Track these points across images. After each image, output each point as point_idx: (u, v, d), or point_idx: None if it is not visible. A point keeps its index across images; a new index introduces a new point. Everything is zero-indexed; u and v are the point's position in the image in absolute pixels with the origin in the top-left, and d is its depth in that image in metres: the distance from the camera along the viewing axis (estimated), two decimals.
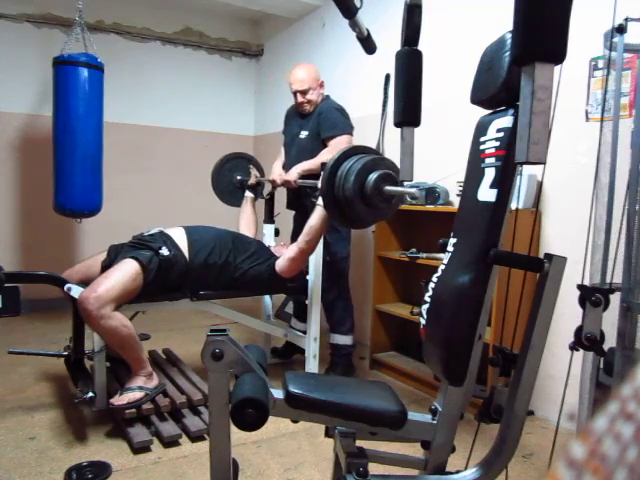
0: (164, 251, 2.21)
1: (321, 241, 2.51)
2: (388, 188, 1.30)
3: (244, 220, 2.93)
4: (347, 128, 2.75)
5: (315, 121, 2.76)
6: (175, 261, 2.24)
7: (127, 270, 2.11)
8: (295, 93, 2.80)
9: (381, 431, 1.19)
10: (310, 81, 2.76)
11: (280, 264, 2.40)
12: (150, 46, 4.53)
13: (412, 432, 1.18)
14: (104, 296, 1.99)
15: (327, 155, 2.45)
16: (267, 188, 3.09)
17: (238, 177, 3.11)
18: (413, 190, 1.31)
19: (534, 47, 0.79)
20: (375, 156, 1.37)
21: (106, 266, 2.25)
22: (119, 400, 2.05)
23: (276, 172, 2.88)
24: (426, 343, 1.19)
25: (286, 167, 2.91)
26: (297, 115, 2.94)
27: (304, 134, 2.82)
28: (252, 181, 3.02)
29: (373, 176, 1.29)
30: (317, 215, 2.28)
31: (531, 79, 0.78)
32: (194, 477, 1.85)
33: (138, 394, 2.08)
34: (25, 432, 2.13)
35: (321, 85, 2.82)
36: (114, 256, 2.30)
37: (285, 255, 2.41)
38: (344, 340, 2.81)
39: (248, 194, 3.01)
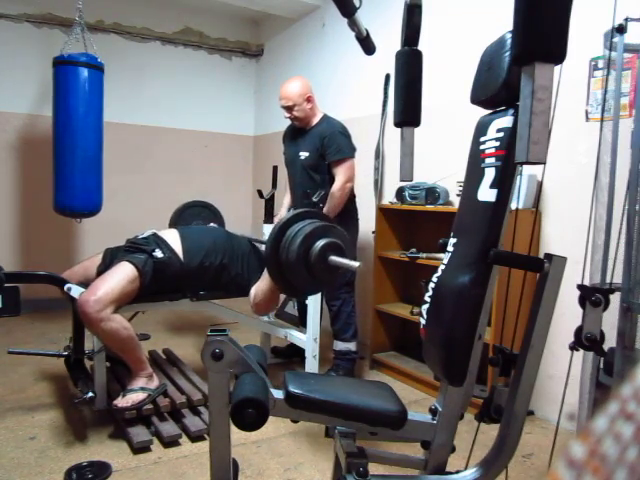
0: (158, 253, 2.22)
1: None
2: (333, 258, 1.25)
3: None
4: (351, 152, 2.78)
5: (316, 142, 2.77)
6: (169, 263, 2.23)
7: (125, 273, 2.11)
8: (282, 108, 2.84)
9: (381, 431, 1.19)
10: (295, 98, 2.76)
11: (251, 300, 2.29)
12: (150, 46, 4.53)
13: (412, 432, 1.18)
14: (104, 299, 1.99)
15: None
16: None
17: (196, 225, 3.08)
18: (357, 264, 1.26)
19: (534, 47, 0.79)
20: (327, 223, 1.33)
21: (101, 271, 2.25)
22: (123, 402, 2.05)
23: (283, 212, 3.00)
24: (426, 343, 1.19)
25: (291, 190, 3.02)
26: (294, 135, 2.95)
27: (304, 155, 2.83)
28: None
29: (320, 243, 1.25)
30: (266, 277, 2.13)
31: (531, 79, 0.78)
32: (194, 477, 1.85)
33: (141, 395, 2.08)
34: (25, 432, 2.13)
35: (308, 100, 2.79)
36: (109, 261, 2.31)
37: (251, 296, 2.29)
38: (348, 346, 2.82)
39: None
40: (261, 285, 2.20)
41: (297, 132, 2.92)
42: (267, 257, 1.33)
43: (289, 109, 2.79)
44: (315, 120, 2.85)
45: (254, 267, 2.42)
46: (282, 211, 3.09)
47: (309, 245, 1.26)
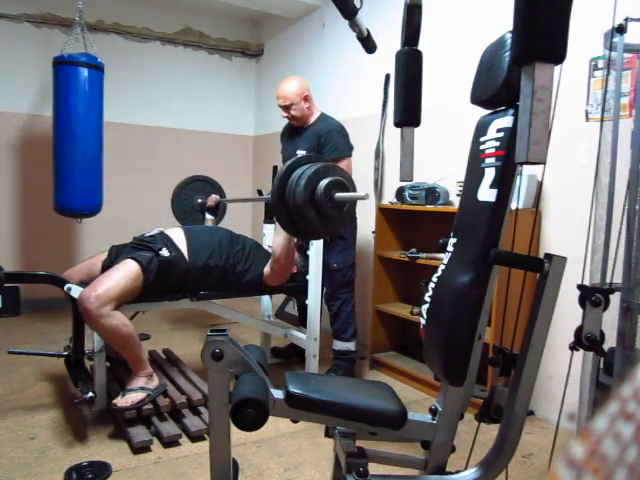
0: (164, 252, 2.22)
1: (322, 246, 2.51)
2: (338, 194, 1.29)
3: None
4: (348, 150, 2.79)
5: (313, 141, 2.78)
6: (175, 262, 2.24)
7: (128, 270, 2.11)
8: (280, 107, 2.84)
9: (381, 431, 1.19)
10: (292, 97, 2.76)
11: (265, 275, 2.43)
12: (150, 46, 4.53)
13: (412, 432, 1.18)
14: (104, 295, 1.99)
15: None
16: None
17: (199, 200, 3.11)
18: (363, 194, 1.30)
19: (534, 47, 0.79)
20: (327, 163, 1.36)
21: (107, 266, 2.25)
22: (122, 402, 2.04)
23: None
24: (426, 343, 1.19)
25: None
26: (291, 134, 2.96)
27: (301, 153, 2.83)
28: (211, 203, 3.03)
29: (324, 182, 1.28)
30: (279, 232, 2.26)
31: (531, 79, 0.78)
32: (194, 477, 1.85)
33: (140, 395, 2.08)
34: (25, 432, 2.14)
35: (305, 99, 2.79)
36: (115, 257, 2.31)
37: (266, 269, 2.42)
38: (347, 346, 2.82)
39: (208, 216, 3.03)
40: (276, 239, 2.28)
41: (294, 131, 2.92)
42: (274, 205, 1.35)
43: (286, 108, 2.79)
44: (312, 119, 2.85)
45: (262, 263, 2.44)
46: None
47: (314, 186, 1.28)
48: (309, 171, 1.29)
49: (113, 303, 2.02)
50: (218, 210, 3.09)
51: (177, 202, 3.12)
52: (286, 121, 2.94)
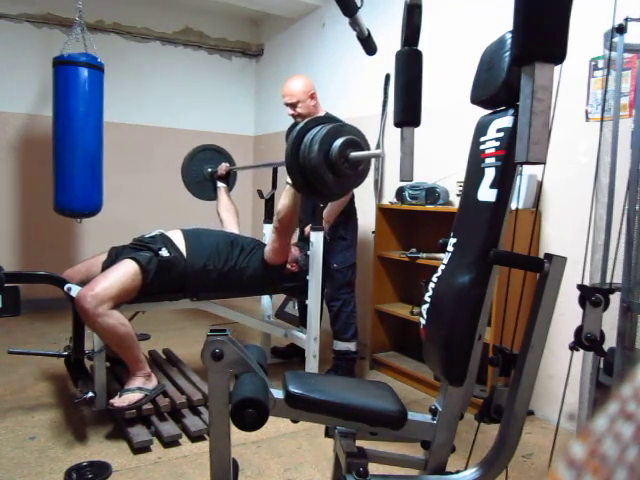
0: (164, 252, 2.22)
1: (323, 245, 2.51)
2: (353, 154, 1.28)
3: (223, 207, 2.99)
4: None
5: None
6: (174, 263, 2.24)
7: (126, 270, 2.11)
8: (286, 105, 2.83)
9: (381, 431, 1.19)
10: (299, 94, 2.76)
11: (266, 252, 2.46)
12: (150, 46, 4.53)
13: (412, 432, 1.18)
14: (101, 294, 1.99)
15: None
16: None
17: (209, 169, 3.12)
18: (378, 151, 1.31)
19: (534, 47, 0.79)
20: (337, 123, 1.36)
21: (106, 266, 2.25)
22: (119, 402, 2.04)
23: None
24: (426, 343, 1.19)
25: None
26: None
27: None
28: (222, 171, 3.06)
29: (337, 142, 1.27)
30: (286, 192, 2.30)
31: (531, 79, 0.78)
32: (194, 477, 1.85)
33: (138, 395, 2.08)
34: (25, 432, 2.13)
35: (312, 97, 2.79)
36: (114, 257, 2.31)
37: (268, 242, 2.46)
38: (347, 347, 2.82)
39: (221, 184, 3.05)
40: (283, 200, 2.30)
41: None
42: (290, 168, 1.35)
43: (293, 106, 2.78)
44: None
45: (253, 259, 2.45)
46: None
47: (328, 146, 1.28)
48: (321, 132, 1.28)
49: (110, 302, 2.02)
50: (230, 178, 3.10)
51: (187, 174, 3.12)
52: (289, 122, 2.94)
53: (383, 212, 3.02)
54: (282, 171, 3.06)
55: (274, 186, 3.07)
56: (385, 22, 3.15)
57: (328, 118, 1.42)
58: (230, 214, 2.96)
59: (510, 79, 1.00)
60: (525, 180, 2.35)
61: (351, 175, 1.33)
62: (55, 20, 4.05)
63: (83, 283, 2.16)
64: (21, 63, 3.99)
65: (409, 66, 1.23)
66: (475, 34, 2.67)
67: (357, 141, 1.30)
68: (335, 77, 3.88)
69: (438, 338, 1.13)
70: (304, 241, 2.72)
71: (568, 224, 2.31)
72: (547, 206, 2.43)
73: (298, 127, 1.34)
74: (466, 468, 1.18)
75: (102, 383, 2.22)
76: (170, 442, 2.05)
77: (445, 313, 1.11)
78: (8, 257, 3.89)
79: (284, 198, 2.31)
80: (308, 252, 2.54)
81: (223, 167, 3.06)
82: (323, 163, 1.27)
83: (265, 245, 2.54)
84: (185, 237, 2.37)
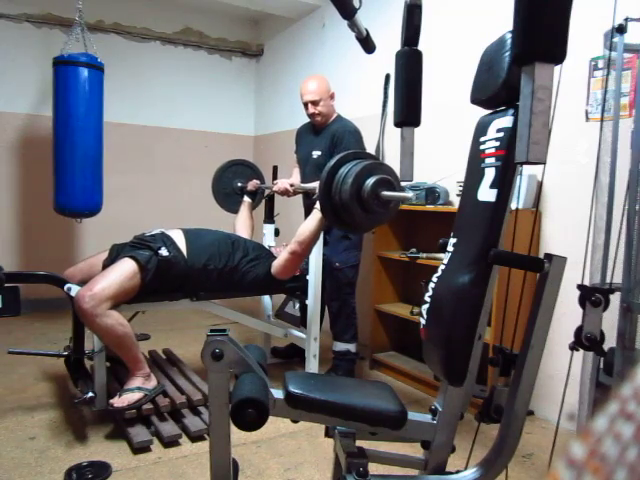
0: (163, 251, 2.22)
1: (321, 244, 2.51)
2: (385, 193, 1.30)
3: (240, 223, 2.97)
4: None
5: (328, 141, 2.79)
6: (174, 262, 2.23)
7: (124, 269, 2.11)
8: (306, 104, 2.83)
9: (381, 431, 1.19)
10: (321, 92, 2.79)
11: (275, 266, 2.41)
12: (150, 46, 4.53)
13: (412, 432, 1.18)
14: (99, 294, 1.99)
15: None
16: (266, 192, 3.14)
17: (239, 184, 3.15)
18: (410, 194, 1.31)
19: (534, 47, 0.79)
20: (373, 161, 1.37)
21: (107, 265, 2.25)
22: (119, 402, 2.04)
23: (281, 179, 2.96)
24: (426, 343, 1.19)
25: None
26: (308, 134, 2.98)
27: (316, 154, 2.86)
28: (251, 187, 3.07)
29: (371, 180, 1.28)
30: (313, 218, 2.28)
31: (531, 79, 0.78)
32: (194, 477, 1.85)
33: (137, 395, 2.08)
34: (25, 432, 2.13)
35: (332, 96, 2.85)
36: (115, 255, 2.31)
37: (280, 258, 2.41)
38: (347, 347, 2.82)
39: (246, 199, 3.05)
40: (309, 223, 2.31)
41: (311, 131, 2.95)
42: (322, 201, 1.37)
43: (315, 104, 2.80)
44: (330, 119, 2.87)
45: (256, 268, 2.43)
46: (294, 175, 3.11)
47: (360, 183, 1.29)
48: (356, 169, 1.30)
49: (109, 302, 2.01)
50: (257, 195, 3.13)
51: (218, 185, 3.15)
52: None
53: None
54: (282, 171, 3.07)
55: None
56: (385, 22, 3.15)
57: (365, 154, 1.44)
58: (244, 228, 2.95)
59: (510, 79, 1.00)
60: (525, 180, 2.35)
61: (381, 212, 1.34)
62: (55, 20, 4.05)
63: (84, 282, 2.16)
64: (21, 63, 3.99)
65: (409, 66, 1.23)
66: (475, 34, 2.67)
67: (390, 180, 1.32)
68: (335, 77, 3.87)
69: (438, 338, 1.13)
70: None
71: (568, 224, 2.31)
72: (547, 206, 2.43)
73: (334, 159, 1.36)
74: (466, 468, 1.18)
75: (102, 383, 2.22)
76: (170, 442, 2.05)
77: (445, 313, 1.11)
78: (8, 257, 3.89)
79: (310, 223, 2.30)
80: None
81: (254, 183, 3.09)
82: (354, 199, 1.29)
83: (273, 256, 2.52)
84: (186, 236, 2.36)
